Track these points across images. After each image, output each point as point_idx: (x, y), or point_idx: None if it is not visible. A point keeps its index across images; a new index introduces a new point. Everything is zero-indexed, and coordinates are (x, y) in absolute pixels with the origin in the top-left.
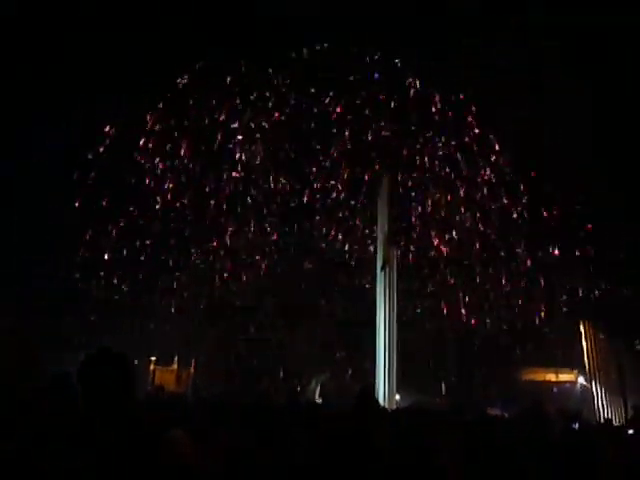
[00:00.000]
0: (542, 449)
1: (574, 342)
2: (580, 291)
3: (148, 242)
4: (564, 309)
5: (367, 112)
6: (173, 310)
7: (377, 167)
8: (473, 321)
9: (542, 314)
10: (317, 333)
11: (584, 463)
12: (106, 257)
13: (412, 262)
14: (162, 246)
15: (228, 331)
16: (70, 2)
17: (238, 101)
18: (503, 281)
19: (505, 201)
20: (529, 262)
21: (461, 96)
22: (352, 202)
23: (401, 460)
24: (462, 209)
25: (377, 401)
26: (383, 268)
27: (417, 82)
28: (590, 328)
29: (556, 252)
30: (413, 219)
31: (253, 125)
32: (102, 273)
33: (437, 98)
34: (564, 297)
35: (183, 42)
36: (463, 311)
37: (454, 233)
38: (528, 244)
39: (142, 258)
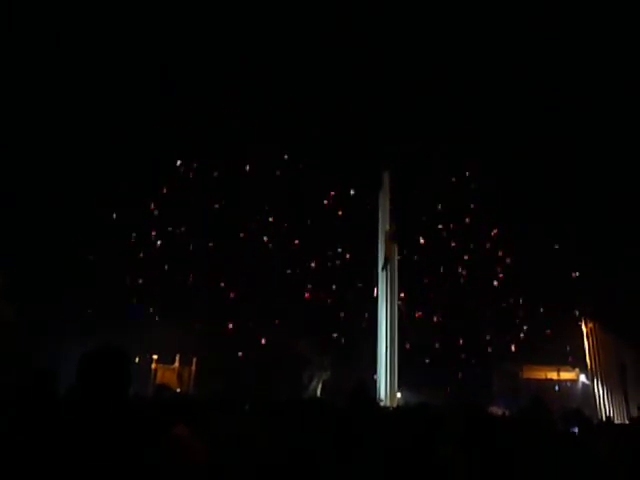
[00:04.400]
0: (542, 446)
1: (576, 340)
2: (582, 289)
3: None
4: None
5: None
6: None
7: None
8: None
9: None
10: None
11: (583, 461)
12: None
13: None
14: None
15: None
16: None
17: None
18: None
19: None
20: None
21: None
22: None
23: (404, 450)
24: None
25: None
26: (384, 267)
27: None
28: (592, 326)
29: None
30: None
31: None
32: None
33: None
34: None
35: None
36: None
37: None
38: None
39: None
